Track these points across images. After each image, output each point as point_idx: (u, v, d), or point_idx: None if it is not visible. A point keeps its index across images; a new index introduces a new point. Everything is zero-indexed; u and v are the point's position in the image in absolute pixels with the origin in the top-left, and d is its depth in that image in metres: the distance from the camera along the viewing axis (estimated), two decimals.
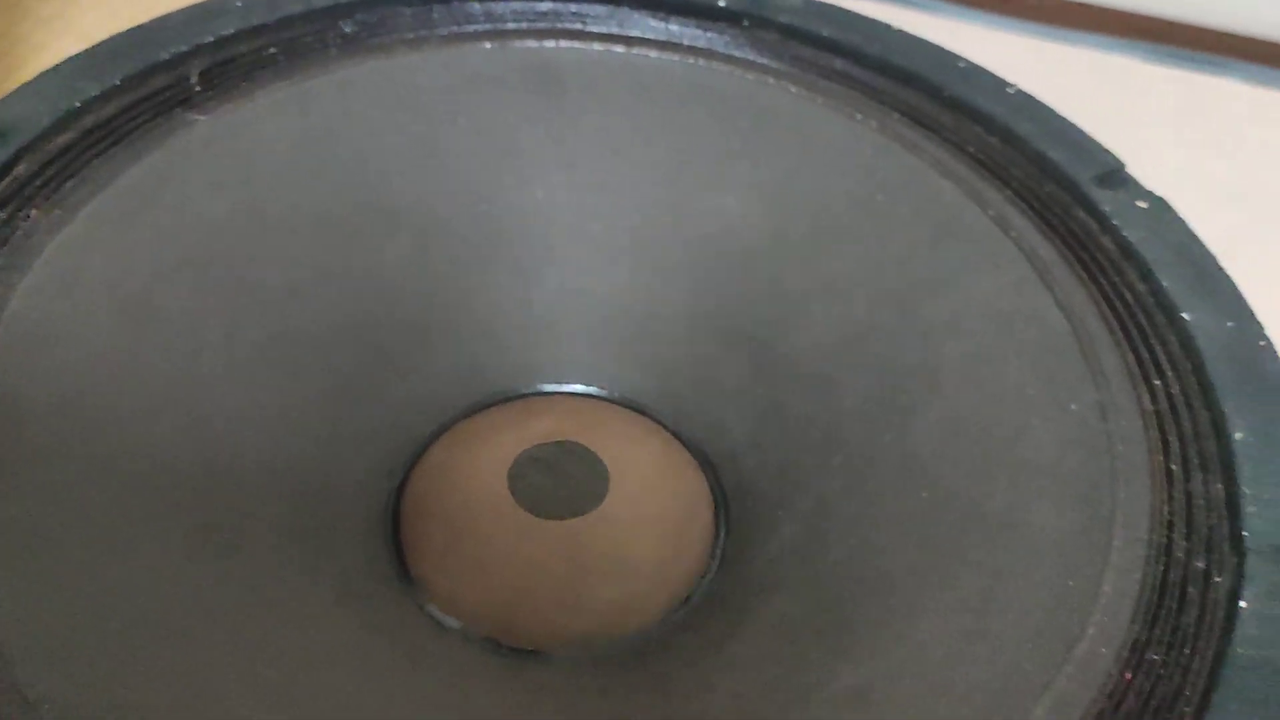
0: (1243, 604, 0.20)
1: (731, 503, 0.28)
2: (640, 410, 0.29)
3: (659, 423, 0.29)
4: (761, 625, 0.24)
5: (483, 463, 0.27)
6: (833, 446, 0.27)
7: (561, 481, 0.27)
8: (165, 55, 0.28)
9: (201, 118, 0.26)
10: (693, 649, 0.25)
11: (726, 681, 0.23)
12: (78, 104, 0.26)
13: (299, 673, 0.22)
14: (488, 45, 0.29)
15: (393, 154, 0.28)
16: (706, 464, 0.29)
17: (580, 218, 0.29)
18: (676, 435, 0.29)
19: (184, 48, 0.28)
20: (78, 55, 0.27)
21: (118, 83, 0.27)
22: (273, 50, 0.29)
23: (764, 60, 0.30)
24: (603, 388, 0.30)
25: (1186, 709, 0.19)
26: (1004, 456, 0.24)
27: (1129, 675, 0.19)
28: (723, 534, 0.28)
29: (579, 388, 0.30)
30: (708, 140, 0.29)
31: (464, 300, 0.29)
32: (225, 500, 0.24)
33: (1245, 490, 0.21)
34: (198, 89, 0.27)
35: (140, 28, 0.28)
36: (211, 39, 0.28)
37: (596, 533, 0.27)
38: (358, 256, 0.28)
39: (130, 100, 0.27)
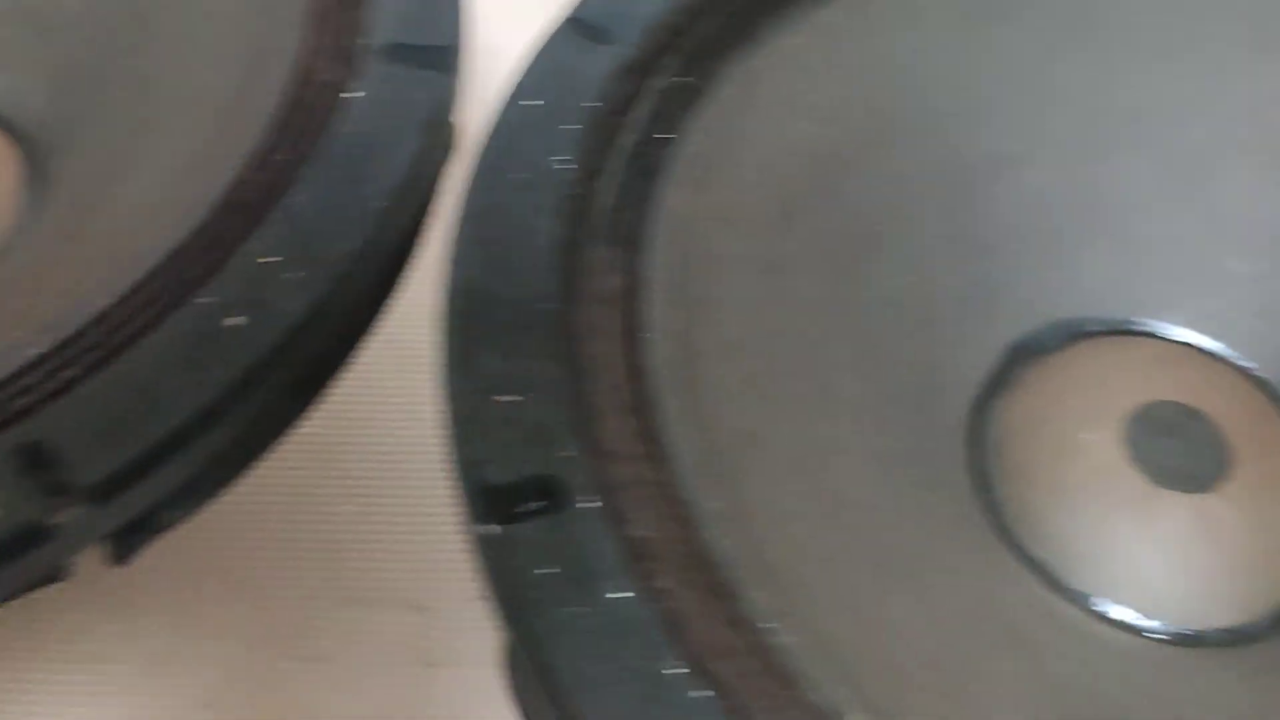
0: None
1: None
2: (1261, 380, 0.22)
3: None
4: None
5: (1089, 417, 0.24)
6: None
7: (1182, 450, 0.24)
8: None
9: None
10: None
11: None
12: None
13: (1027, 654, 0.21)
14: None
15: None
16: None
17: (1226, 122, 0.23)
18: None
19: None
20: None
21: None
22: None
23: None
24: (1220, 340, 0.23)
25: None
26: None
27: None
28: None
29: (1190, 336, 0.24)
30: None
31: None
32: (912, 431, 0.24)
33: None
34: None
35: None
36: None
37: (1229, 514, 0.23)
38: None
39: None
